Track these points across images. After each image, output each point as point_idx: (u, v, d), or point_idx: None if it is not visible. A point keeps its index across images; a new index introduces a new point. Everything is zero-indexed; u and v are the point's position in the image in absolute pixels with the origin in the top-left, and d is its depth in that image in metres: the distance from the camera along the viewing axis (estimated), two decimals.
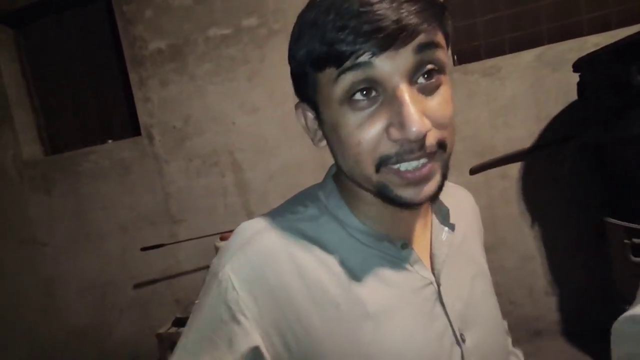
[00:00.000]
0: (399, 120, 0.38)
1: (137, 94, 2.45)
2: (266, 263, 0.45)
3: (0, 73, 2.66)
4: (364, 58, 0.37)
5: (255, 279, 0.44)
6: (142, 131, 2.47)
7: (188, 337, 0.46)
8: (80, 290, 2.70)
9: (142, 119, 2.47)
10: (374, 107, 0.39)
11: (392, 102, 0.39)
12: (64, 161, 2.64)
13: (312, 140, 0.49)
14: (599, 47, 1.57)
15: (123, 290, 2.60)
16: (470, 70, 2.02)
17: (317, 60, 0.40)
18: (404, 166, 0.41)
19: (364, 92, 0.39)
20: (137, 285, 2.57)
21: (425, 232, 0.52)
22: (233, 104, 2.33)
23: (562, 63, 1.89)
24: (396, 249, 0.48)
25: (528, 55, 1.96)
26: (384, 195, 0.43)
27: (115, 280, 2.62)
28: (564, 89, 1.91)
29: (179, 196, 2.47)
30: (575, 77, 1.74)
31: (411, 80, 0.39)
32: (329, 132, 0.44)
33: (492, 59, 2.02)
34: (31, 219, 2.73)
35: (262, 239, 0.46)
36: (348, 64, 0.38)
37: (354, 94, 0.39)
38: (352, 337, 0.44)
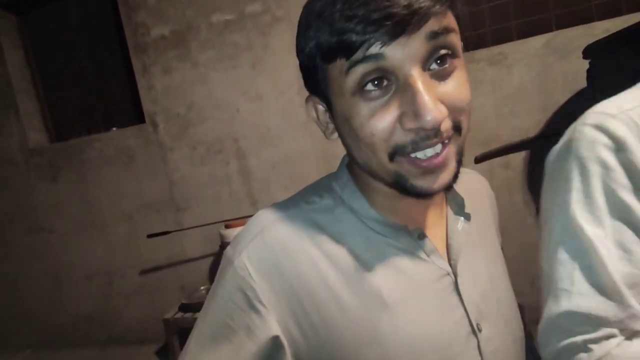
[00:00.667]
0: (413, 109, 0.37)
1: (141, 81, 2.44)
2: (282, 252, 0.45)
3: (5, 61, 2.66)
4: (375, 49, 0.36)
5: (272, 267, 0.44)
6: (146, 119, 2.47)
7: (204, 324, 0.47)
8: (87, 277, 2.74)
9: (146, 106, 2.46)
10: (386, 97, 0.39)
11: (405, 90, 0.38)
12: (69, 149, 2.65)
13: (324, 133, 0.48)
14: (609, 33, 1.54)
15: (129, 277, 2.64)
16: (477, 57, 1.99)
17: (327, 51, 0.39)
18: (419, 154, 0.40)
19: (376, 82, 0.38)
20: (143, 272, 2.61)
21: (441, 222, 0.52)
22: (236, 92, 2.32)
23: (570, 50, 1.86)
24: (412, 240, 0.48)
25: (536, 42, 1.93)
26: (400, 185, 0.43)
27: (121, 267, 2.65)
28: (571, 76, 1.88)
29: (183, 184, 2.48)
30: (584, 65, 1.71)
31: (424, 66, 0.38)
32: (341, 124, 0.43)
33: (499, 45, 1.99)
34: (38, 206, 2.76)
35: (278, 228, 0.46)
36: (359, 55, 0.37)
37: (365, 84, 0.39)
38: (370, 326, 0.44)
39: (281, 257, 0.45)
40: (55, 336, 2.85)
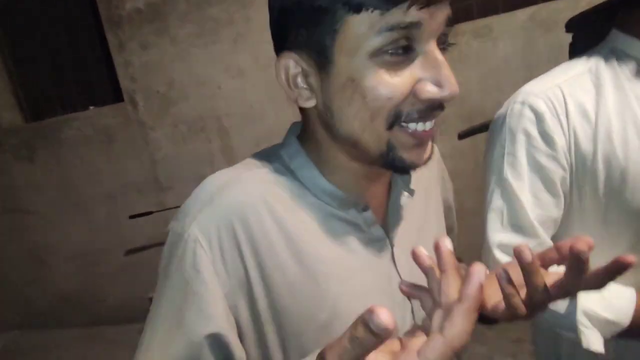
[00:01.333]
0: (436, 79, 0.38)
1: (117, 58, 2.35)
2: (234, 217, 0.43)
3: None
4: (412, 14, 0.36)
5: (224, 236, 0.42)
6: (125, 97, 2.40)
7: (160, 307, 0.45)
8: (70, 258, 2.71)
9: (124, 84, 2.38)
10: (406, 63, 0.38)
11: (426, 60, 0.38)
12: (45, 128, 2.57)
13: (295, 98, 0.43)
14: (591, 6, 1.53)
15: (113, 257, 2.62)
16: (462, 30, 1.97)
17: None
18: (419, 126, 0.40)
19: (400, 48, 0.37)
20: (127, 253, 2.58)
21: (386, 195, 0.53)
22: (218, 68, 2.26)
23: (555, 23, 1.85)
24: (356, 211, 0.48)
25: (522, 14, 1.91)
26: (387, 157, 0.42)
27: (104, 247, 2.63)
28: (556, 50, 1.88)
29: (165, 163, 2.44)
30: (568, 38, 1.71)
31: (438, 45, 0.40)
32: (340, 86, 0.40)
33: (485, 18, 1.97)
34: (15, 187, 2.69)
35: (230, 192, 0.44)
36: (399, 19, 0.36)
37: (391, 48, 0.37)
38: (313, 297, 0.44)
39: (233, 223, 0.43)
40: (41, 317, 2.84)
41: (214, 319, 0.41)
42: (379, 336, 0.24)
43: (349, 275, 0.46)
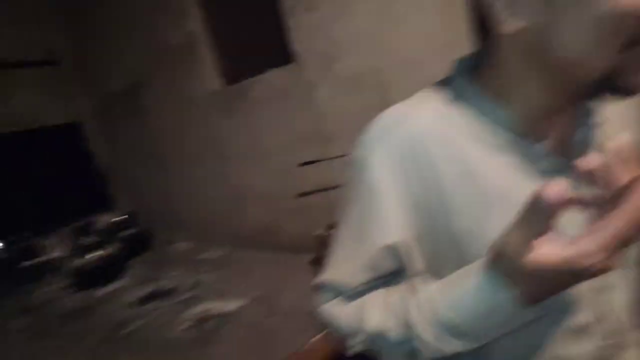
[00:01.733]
0: None
1: (288, 22, 2.61)
2: (412, 145, 0.46)
3: (189, 17, 3.18)
4: None
5: (402, 162, 0.46)
6: (294, 58, 2.68)
7: (346, 223, 0.51)
8: (258, 196, 3.34)
9: (293, 45, 2.65)
10: None
11: None
12: (238, 90, 3.12)
13: (503, 19, 0.41)
14: None
15: (288, 199, 3.09)
16: None
17: None
18: None
19: None
20: (299, 195, 3.01)
21: (567, 126, 0.49)
22: (376, 21, 2.28)
23: None
24: (533, 143, 0.46)
25: None
26: (611, 82, 0.40)
27: (281, 189, 3.12)
28: None
29: (329, 117, 2.67)
30: None
31: None
32: (573, 2, 0.37)
33: None
34: (220, 138, 3.41)
35: (405, 124, 0.47)
36: None
37: None
38: (482, 218, 0.46)
39: (411, 150, 0.46)
40: (243, 240, 3.62)
41: (391, 232, 0.47)
42: (552, 207, 0.29)
43: (519, 203, 0.46)
